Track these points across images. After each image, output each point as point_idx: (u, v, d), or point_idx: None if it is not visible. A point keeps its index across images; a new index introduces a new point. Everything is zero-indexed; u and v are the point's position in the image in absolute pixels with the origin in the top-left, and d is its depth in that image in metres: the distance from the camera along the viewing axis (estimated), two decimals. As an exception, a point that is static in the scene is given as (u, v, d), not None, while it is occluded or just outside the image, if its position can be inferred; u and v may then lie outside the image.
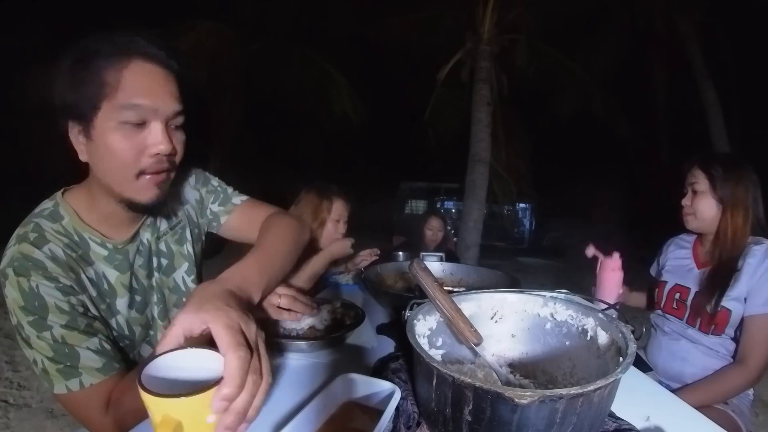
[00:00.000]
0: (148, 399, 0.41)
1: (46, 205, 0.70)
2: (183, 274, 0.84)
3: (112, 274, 0.71)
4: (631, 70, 7.38)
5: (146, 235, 0.77)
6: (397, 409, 0.55)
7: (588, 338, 0.59)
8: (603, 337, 0.56)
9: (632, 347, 0.49)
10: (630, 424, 0.57)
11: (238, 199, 0.90)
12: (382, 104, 8.13)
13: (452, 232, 4.13)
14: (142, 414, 0.56)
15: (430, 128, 5.49)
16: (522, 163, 5.73)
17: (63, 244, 0.66)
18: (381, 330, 0.95)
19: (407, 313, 0.59)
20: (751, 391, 1.20)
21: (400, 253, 1.68)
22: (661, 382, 1.18)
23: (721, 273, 1.14)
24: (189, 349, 0.50)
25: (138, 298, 0.76)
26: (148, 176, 0.65)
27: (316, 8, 6.24)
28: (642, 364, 1.27)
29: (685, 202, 1.22)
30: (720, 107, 5.85)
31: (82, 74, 0.60)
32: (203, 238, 0.90)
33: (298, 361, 0.78)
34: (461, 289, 1.04)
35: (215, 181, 0.91)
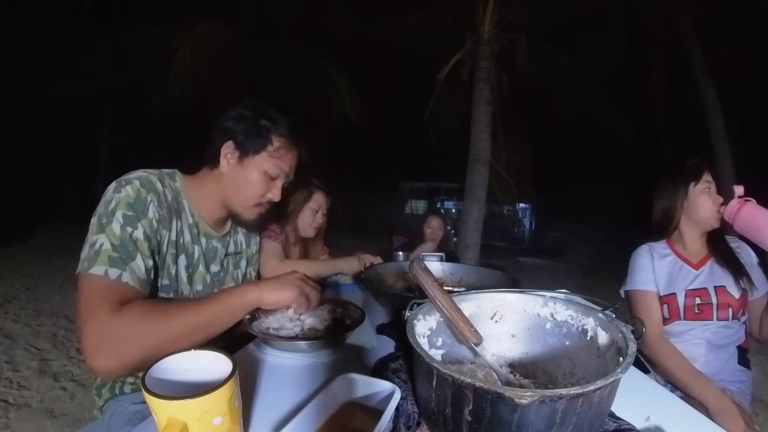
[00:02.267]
0: (153, 402, 0.41)
1: (166, 170, 0.89)
2: None
3: (187, 236, 0.88)
4: (631, 70, 7.38)
5: (218, 246, 0.97)
6: (397, 409, 0.55)
7: (588, 338, 0.59)
8: (603, 337, 0.56)
9: (632, 347, 0.49)
10: (630, 424, 0.57)
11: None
12: (382, 104, 8.13)
13: (452, 232, 4.13)
14: (136, 341, 0.64)
15: (430, 128, 5.49)
16: (522, 163, 5.73)
17: (172, 195, 0.85)
18: (381, 330, 0.95)
19: (407, 313, 0.59)
20: (749, 389, 1.21)
21: (400, 253, 1.68)
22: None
23: (731, 258, 1.22)
24: (193, 351, 0.50)
25: (191, 270, 0.89)
26: (257, 208, 0.93)
27: (316, 8, 6.23)
28: (641, 365, 1.28)
29: (719, 200, 1.21)
30: (720, 107, 5.84)
31: (260, 129, 0.89)
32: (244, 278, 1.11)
33: (298, 361, 0.78)
34: (461, 289, 1.04)
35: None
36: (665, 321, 1.27)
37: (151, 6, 7.02)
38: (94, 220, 0.73)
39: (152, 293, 0.80)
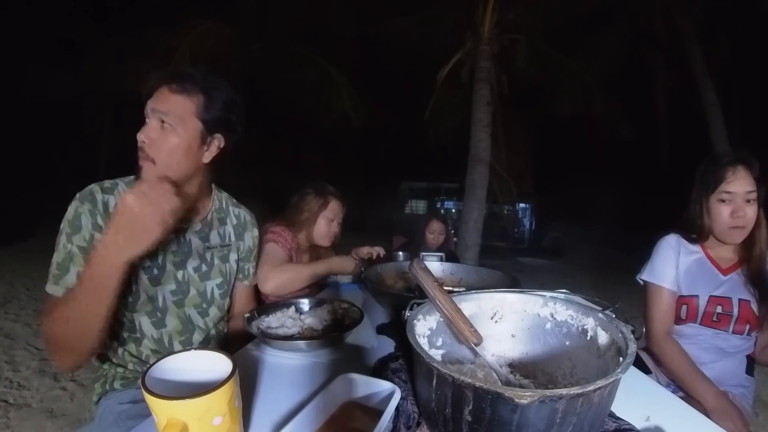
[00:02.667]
0: (153, 402, 0.41)
1: (128, 177, 0.90)
2: (214, 286, 0.98)
3: None
4: (631, 70, 7.38)
5: (193, 239, 0.94)
6: (397, 409, 0.55)
7: (588, 338, 0.59)
8: (603, 337, 0.56)
9: (632, 347, 0.49)
10: (630, 424, 0.57)
11: (248, 281, 1.11)
12: (382, 104, 8.13)
13: (452, 232, 4.13)
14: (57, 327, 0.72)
15: (430, 128, 5.49)
16: (522, 163, 5.73)
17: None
18: (381, 330, 0.95)
19: (407, 313, 0.59)
20: (752, 394, 1.20)
21: (400, 253, 1.68)
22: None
23: (759, 279, 1.13)
24: (193, 351, 0.50)
25: (156, 271, 0.88)
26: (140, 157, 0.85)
27: (316, 8, 6.23)
28: (641, 365, 1.27)
29: (740, 214, 1.09)
30: (720, 107, 5.84)
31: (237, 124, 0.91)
32: (237, 272, 1.07)
33: (298, 361, 0.78)
34: (461, 289, 1.04)
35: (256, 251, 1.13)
36: (680, 321, 1.22)
37: (151, 6, 7.02)
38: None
39: (126, 305, 0.86)
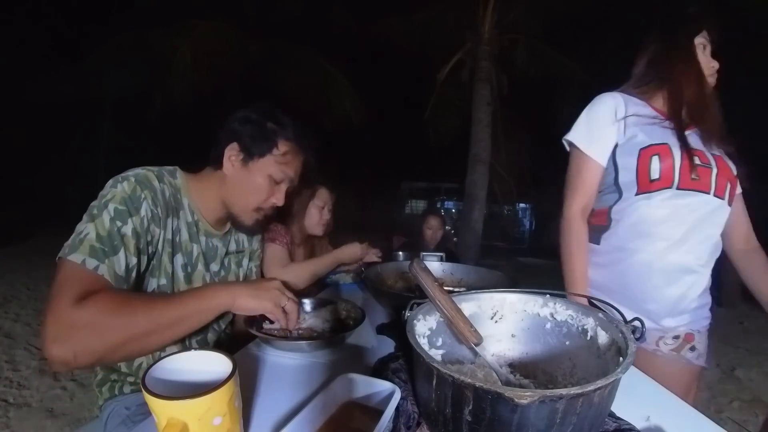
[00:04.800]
0: (153, 402, 0.41)
1: (167, 167, 0.89)
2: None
3: (185, 235, 0.88)
4: (631, 70, 7.38)
5: (219, 245, 0.97)
6: (397, 409, 0.55)
7: (588, 338, 0.59)
8: (603, 337, 0.56)
9: (632, 347, 0.49)
10: (630, 424, 0.57)
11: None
12: (382, 104, 8.13)
13: (452, 232, 4.13)
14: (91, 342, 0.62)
15: (430, 128, 5.50)
16: (522, 163, 5.73)
17: (170, 192, 0.84)
18: (381, 330, 0.95)
19: (407, 313, 0.59)
20: (708, 313, 1.04)
21: (400, 253, 1.68)
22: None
23: (719, 132, 0.97)
24: (193, 351, 0.50)
25: (189, 269, 0.89)
26: (257, 212, 0.92)
27: (316, 8, 6.24)
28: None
29: (712, 64, 0.98)
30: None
31: (266, 131, 0.88)
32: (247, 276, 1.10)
33: (299, 361, 0.78)
34: (461, 289, 1.04)
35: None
36: (650, 184, 0.94)
37: (151, 6, 7.02)
38: (87, 212, 0.73)
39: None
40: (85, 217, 0.72)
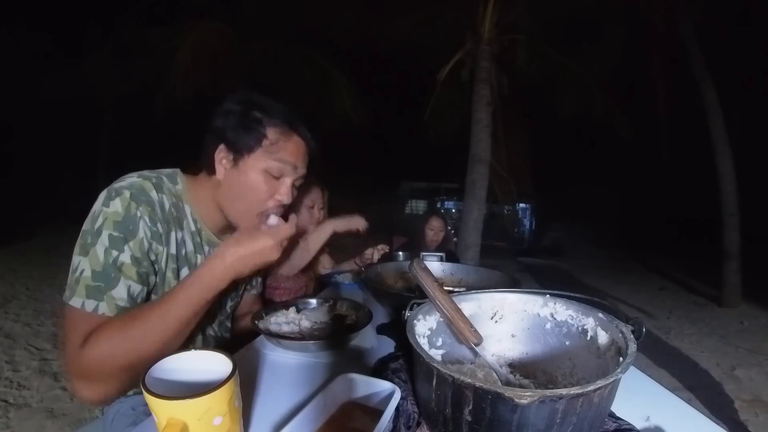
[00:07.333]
0: (153, 402, 0.41)
1: (166, 170, 0.83)
2: (228, 299, 0.97)
3: (189, 246, 0.82)
4: (631, 70, 7.38)
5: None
6: (397, 409, 0.55)
7: (588, 338, 0.59)
8: (603, 337, 0.56)
9: (632, 347, 0.49)
10: (630, 424, 0.57)
11: (255, 290, 1.10)
12: (382, 104, 8.13)
13: (452, 232, 4.13)
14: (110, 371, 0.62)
15: (430, 128, 5.49)
16: (522, 163, 5.73)
17: (171, 202, 0.78)
18: (381, 330, 0.95)
19: (407, 313, 0.59)
20: None
21: (400, 253, 1.68)
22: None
23: None
24: (193, 351, 0.50)
25: None
26: (261, 218, 0.79)
27: (316, 8, 6.23)
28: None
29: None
30: (720, 107, 5.84)
31: (250, 122, 0.77)
32: (247, 283, 1.06)
33: (299, 361, 0.78)
34: (461, 289, 1.04)
35: None
36: None
37: (151, 6, 7.02)
38: (79, 240, 0.68)
39: None
40: (78, 249, 0.68)
